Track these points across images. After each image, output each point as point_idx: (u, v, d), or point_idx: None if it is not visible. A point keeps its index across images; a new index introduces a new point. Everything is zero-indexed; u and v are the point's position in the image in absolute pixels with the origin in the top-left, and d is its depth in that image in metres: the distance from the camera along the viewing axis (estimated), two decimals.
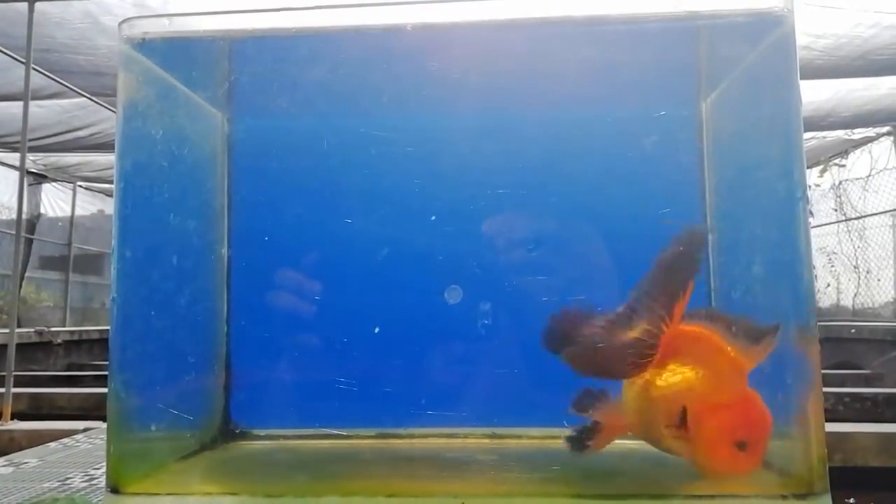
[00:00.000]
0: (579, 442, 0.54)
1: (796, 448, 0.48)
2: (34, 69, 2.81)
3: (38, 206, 5.80)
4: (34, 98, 3.26)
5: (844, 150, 5.04)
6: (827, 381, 2.85)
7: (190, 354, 0.64)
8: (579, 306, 0.53)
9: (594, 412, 0.53)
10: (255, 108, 0.72)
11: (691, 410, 0.48)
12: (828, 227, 5.46)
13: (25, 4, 2.40)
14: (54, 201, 6.09)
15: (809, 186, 5.17)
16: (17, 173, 2.72)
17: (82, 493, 0.70)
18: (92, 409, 2.43)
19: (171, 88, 0.62)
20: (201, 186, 0.68)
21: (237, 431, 0.68)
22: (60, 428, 1.62)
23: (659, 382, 0.50)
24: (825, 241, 5.45)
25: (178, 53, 0.59)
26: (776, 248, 0.53)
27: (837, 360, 3.67)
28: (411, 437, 0.65)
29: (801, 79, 0.51)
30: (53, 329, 4.51)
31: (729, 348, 0.50)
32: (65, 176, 5.84)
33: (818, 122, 4.06)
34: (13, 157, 4.61)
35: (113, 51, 2.85)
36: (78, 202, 6.30)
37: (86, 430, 1.29)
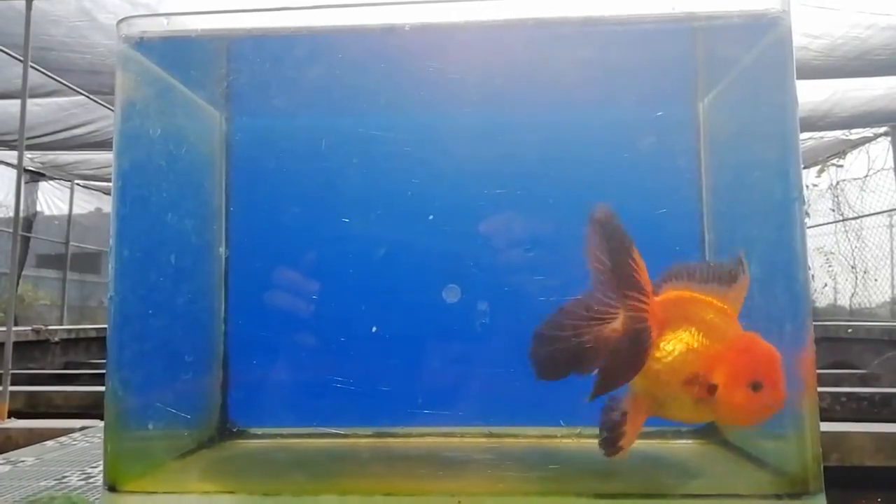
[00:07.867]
0: (611, 442, 0.51)
1: (791, 447, 0.49)
2: (32, 67, 2.81)
3: (35, 203, 5.77)
4: (32, 96, 3.25)
5: (842, 150, 5.04)
6: (823, 380, 2.85)
7: (187, 353, 0.64)
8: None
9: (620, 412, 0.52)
10: (254, 108, 0.72)
11: (705, 368, 0.47)
12: (825, 226, 5.46)
13: (23, 2, 2.40)
14: (52, 199, 6.07)
15: (807, 186, 5.17)
16: (14, 171, 2.71)
17: (79, 491, 0.70)
18: (89, 408, 2.42)
19: (169, 87, 0.62)
20: (199, 185, 0.68)
21: (234, 430, 0.68)
22: (58, 426, 1.61)
23: (662, 357, 0.49)
24: (823, 240, 5.45)
25: (177, 53, 0.59)
26: (772, 247, 0.53)
27: (834, 359, 3.68)
28: (408, 435, 0.65)
29: (798, 79, 0.51)
30: (51, 327, 4.49)
31: (712, 299, 0.49)
32: (62, 174, 5.82)
33: (815, 122, 4.06)
34: (11, 155, 4.60)
35: (110, 49, 2.84)
36: (75, 200, 6.28)
37: (83, 428, 1.29)
